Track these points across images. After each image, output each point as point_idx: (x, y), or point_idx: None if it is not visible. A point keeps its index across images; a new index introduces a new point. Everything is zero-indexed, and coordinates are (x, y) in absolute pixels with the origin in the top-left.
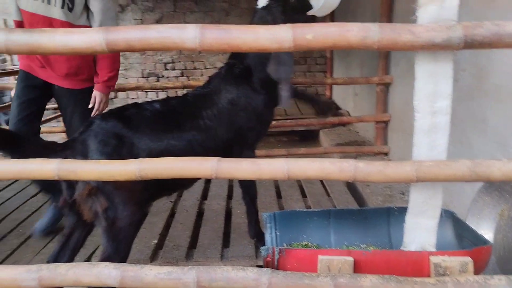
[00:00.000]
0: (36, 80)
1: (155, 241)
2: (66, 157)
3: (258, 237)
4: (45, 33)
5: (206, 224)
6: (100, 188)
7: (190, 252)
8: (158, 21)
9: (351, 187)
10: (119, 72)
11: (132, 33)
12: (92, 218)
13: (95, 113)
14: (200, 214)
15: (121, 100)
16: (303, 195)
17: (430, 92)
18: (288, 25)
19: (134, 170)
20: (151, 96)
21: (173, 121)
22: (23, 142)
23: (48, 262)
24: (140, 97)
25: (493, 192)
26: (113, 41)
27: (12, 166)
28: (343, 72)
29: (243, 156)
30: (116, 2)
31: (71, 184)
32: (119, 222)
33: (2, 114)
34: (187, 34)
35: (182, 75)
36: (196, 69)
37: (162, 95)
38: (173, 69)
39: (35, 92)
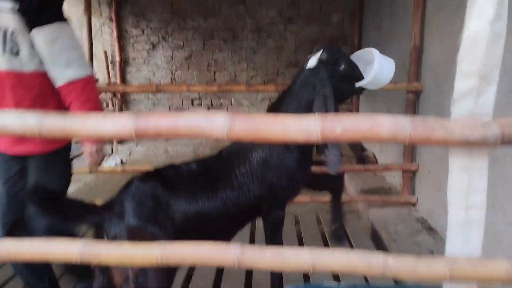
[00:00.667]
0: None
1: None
2: (103, 219)
3: None
4: (77, 118)
5: (227, 279)
6: None
7: None
8: (188, 58)
9: (377, 241)
10: (147, 107)
11: (162, 121)
12: (122, 283)
13: (91, 165)
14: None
15: None
16: (326, 245)
17: (464, 186)
18: (318, 117)
19: (156, 256)
20: None
21: (208, 181)
22: (64, 203)
23: None
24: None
25: None
26: (142, 128)
27: (34, 246)
28: (369, 107)
29: (272, 215)
30: (67, 31)
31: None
32: None
33: None
34: (216, 123)
35: (208, 110)
36: (222, 105)
37: None
38: (200, 104)
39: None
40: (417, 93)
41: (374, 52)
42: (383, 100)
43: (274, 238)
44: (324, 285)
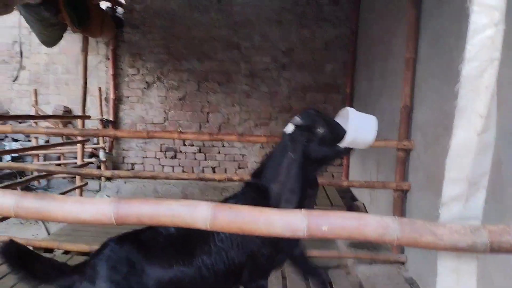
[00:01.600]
0: None
1: None
2: (73, 282)
3: None
4: (55, 201)
5: None
6: None
7: None
8: (182, 99)
9: None
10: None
11: (143, 208)
12: None
13: None
14: None
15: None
16: None
17: (452, 286)
18: (304, 213)
19: None
20: (167, 170)
21: (185, 246)
22: (35, 262)
23: None
24: (156, 169)
25: None
26: (123, 214)
27: None
28: (359, 162)
29: (252, 284)
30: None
31: None
32: None
33: None
34: (199, 213)
35: (200, 151)
36: (214, 146)
37: (177, 169)
38: (192, 145)
39: None
40: (407, 151)
41: (350, 110)
42: (374, 156)
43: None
44: None
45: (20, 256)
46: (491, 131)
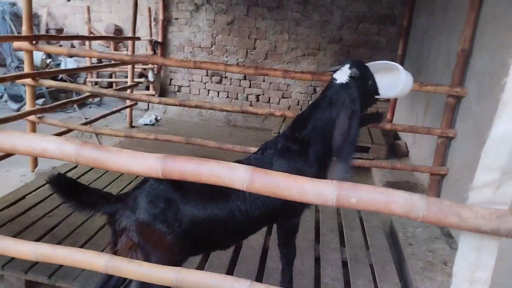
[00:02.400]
0: None
1: None
2: (117, 210)
3: None
4: (111, 153)
5: (241, 264)
6: (141, 245)
7: None
8: (230, 23)
9: (393, 240)
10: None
11: (187, 166)
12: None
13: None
14: (237, 249)
15: (184, 95)
16: (342, 243)
17: (472, 262)
18: (335, 184)
19: (172, 279)
20: (212, 94)
21: (220, 191)
22: (83, 191)
23: None
24: (202, 93)
25: None
26: (169, 170)
27: (66, 253)
28: (406, 103)
29: (287, 223)
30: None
31: (116, 232)
32: None
33: (12, 102)
34: (237, 176)
35: (245, 78)
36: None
37: (222, 95)
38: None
39: None
40: (459, 98)
41: (400, 68)
42: (423, 97)
43: (287, 244)
44: None
45: (68, 188)
46: None
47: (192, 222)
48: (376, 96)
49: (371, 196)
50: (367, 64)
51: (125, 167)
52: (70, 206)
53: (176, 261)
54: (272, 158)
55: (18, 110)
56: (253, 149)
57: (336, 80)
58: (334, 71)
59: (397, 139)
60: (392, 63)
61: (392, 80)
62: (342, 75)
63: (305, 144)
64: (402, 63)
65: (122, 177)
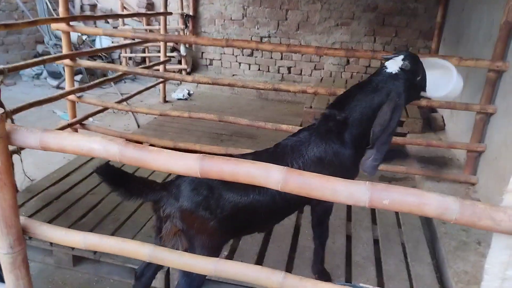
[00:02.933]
0: None
1: (226, 253)
2: (161, 197)
3: (320, 275)
4: (152, 153)
5: (274, 242)
6: (184, 231)
7: None
8: None
9: (426, 218)
10: None
11: (225, 166)
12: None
13: None
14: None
15: (216, 68)
16: (374, 221)
17: (504, 260)
18: (368, 185)
19: (211, 269)
20: (243, 67)
21: None
22: (129, 180)
23: (136, 273)
24: (233, 66)
25: None
26: (207, 170)
27: (113, 243)
28: None
29: (321, 205)
30: None
31: (160, 218)
32: None
33: (52, 78)
34: (272, 176)
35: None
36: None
37: (254, 67)
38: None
39: None
40: (500, 72)
41: (453, 69)
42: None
43: (321, 225)
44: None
45: (115, 177)
46: None
47: (234, 208)
48: (422, 94)
49: (404, 198)
50: (421, 59)
51: (165, 166)
52: (117, 194)
53: (218, 245)
54: (310, 138)
55: (57, 86)
56: (285, 127)
57: (386, 68)
58: (387, 59)
59: (433, 111)
60: (447, 62)
61: (442, 80)
62: (394, 65)
63: (343, 125)
64: (441, 32)
65: None
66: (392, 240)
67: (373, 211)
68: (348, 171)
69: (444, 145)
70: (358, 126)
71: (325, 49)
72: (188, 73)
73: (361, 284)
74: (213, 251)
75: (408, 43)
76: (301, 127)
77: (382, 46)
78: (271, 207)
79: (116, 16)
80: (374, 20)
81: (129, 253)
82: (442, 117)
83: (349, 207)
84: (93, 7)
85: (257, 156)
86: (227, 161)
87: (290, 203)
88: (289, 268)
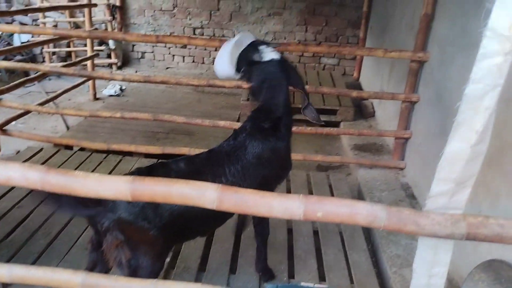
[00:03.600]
0: None
1: (168, 259)
2: (97, 213)
3: (264, 273)
4: (78, 178)
5: (217, 243)
6: (126, 242)
7: (199, 275)
8: None
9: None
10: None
11: (156, 189)
12: (116, 265)
13: None
14: None
15: (148, 61)
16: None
17: (430, 260)
18: (302, 199)
19: None
20: (177, 60)
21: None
22: (64, 197)
23: None
24: (167, 59)
25: (490, 272)
26: (138, 193)
27: (41, 274)
28: (372, 61)
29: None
30: None
31: (98, 231)
32: (140, 271)
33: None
34: (207, 197)
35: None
36: (224, 36)
37: (188, 59)
38: (202, 34)
39: None
40: (421, 63)
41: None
42: (388, 60)
43: (261, 222)
44: (302, 285)
45: (52, 195)
46: (484, 142)
47: (172, 215)
48: None
49: (336, 210)
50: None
51: (93, 191)
52: (54, 212)
53: (161, 252)
54: (245, 141)
55: None
56: (222, 123)
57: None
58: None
59: (363, 99)
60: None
61: None
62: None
63: (274, 122)
64: (367, 21)
65: (91, 158)
66: (331, 231)
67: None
68: (286, 161)
69: (374, 133)
70: (287, 114)
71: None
72: (119, 67)
73: (302, 284)
74: (157, 259)
75: (338, 32)
76: (237, 125)
77: (313, 35)
78: (209, 212)
79: (35, 11)
80: (305, 10)
81: (60, 283)
82: (372, 104)
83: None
84: None
85: (190, 161)
86: (158, 182)
87: None
88: (233, 268)
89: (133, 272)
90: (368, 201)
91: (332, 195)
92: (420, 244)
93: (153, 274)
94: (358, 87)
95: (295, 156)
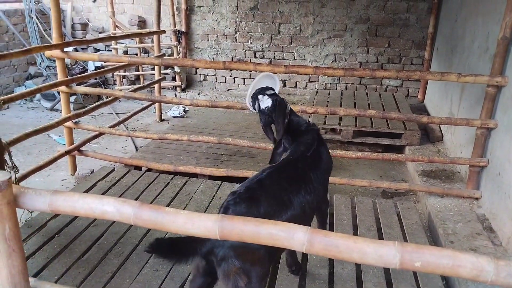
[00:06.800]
0: None
1: None
2: (213, 246)
3: None
4: (169, 215)
5: (282, 271)
6: (242, 267)
7: None
8: (253, 9)
9: (433, 236)
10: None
11: (245, 228)
12: None
13: None
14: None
15: (210, 83)
16: None
17: None
18: (398, 247)
19: None
20: (238, 82)
21: (291, 192)
22: (179, 244)
23: None
24: (228, 81)
25: None
26: (226, 232)
27: None
28: (439, 83)
29: (325, 204)
30: None
31: (211, 263)
32: None
33: (45, 100)
34: (296, 238)
35: (270, 63)
36: (284, 59)
37: (248, 82)
38: (262, 57)
39: None
40: (499, 87)
41: (274, 76)
42: (457, 86)
43: (325, 223)
44: None
45: (168, 248)
46: None
47: None
48: None
49: (437, 260)
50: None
51: (183, 229)
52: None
53: (268, 272)
54: (318, 150)
55: (51, 108)
56: None
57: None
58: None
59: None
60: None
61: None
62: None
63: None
64: (433, 42)
65: (158, 179)
66: None
67: (379, 230)
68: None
69: (447, 161)
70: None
71: (324, 69)
72: (183, 90)
73: None
74: (265, 279)
75: (401, 53)
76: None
77: (375, 57)
78: (302, 217)
79: (108, 39)
80: (366, 32)
81: None
82: (440, 127)
83: (355, 228)
84: (84, 25)
85: (280, 171)
86: (247, 221)
87: (313, 209)
88: None
89: None
90: (442, 233)
91: (401, 224)
92: None
93: None
94: (423, 109)
95: (359, 182)
